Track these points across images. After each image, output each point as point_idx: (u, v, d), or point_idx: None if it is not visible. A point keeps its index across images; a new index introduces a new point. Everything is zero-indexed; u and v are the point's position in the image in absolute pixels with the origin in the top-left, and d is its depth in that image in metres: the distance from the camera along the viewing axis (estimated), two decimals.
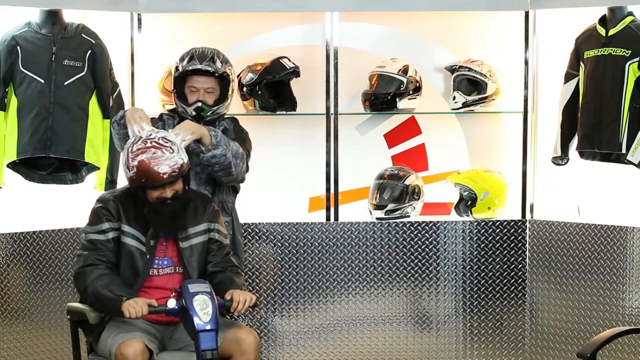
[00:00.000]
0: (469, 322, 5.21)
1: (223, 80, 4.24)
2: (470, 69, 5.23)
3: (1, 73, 4.73)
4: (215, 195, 4.27)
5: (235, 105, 5.20)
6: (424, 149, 5.51)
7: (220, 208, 4.19)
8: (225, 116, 4.36)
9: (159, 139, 3.78)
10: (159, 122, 4.30)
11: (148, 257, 3.80)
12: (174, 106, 4.36)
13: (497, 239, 5.18)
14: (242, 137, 4.30)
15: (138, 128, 3.89)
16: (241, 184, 4.40)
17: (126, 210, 3.82)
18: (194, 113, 4.21)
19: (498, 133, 5.49)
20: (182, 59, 4.25)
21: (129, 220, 3.82)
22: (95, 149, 4.84)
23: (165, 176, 3.72)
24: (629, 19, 4.83)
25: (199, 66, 4.19)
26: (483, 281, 5.20)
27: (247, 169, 4.28)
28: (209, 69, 4.20)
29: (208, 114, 4.22)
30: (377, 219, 5.18)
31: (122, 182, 4.86)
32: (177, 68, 4.26)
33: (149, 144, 3.76)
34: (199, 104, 4.20)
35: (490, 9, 5.19)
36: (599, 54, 4.85)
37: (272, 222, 5.12)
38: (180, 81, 4.25)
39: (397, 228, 5.15)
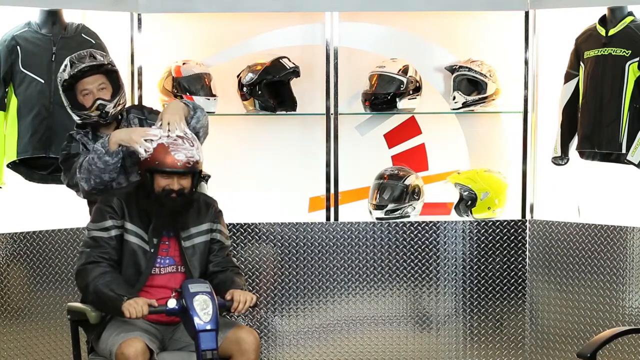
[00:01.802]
0: (469, 322, 5.21)
1: (111, 74, 4.09)
2: (470, 69, 5.23)
3: (1, 73, 4.74)
4: None
5: (235, 105, 5.22)
6: (424, 149, 5.51)
7: None
8: (130, 107, 4.22)
9: (183, 133, 3.80)
10: (72, 141, 4.09)
11: (151, 254, 3.80)
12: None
13: (497, 239, 5.17)
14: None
15: (152, 137, 3.79)
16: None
17: (130, 208, 3.82)
18: (97, 112, 4.02)
19: (498, 133, 5.49)
20: (62, 71, 4.04)
21: (133, 218, 3.82)
22: None
23: (179, 164, 3.72)
24: (629, 19, 4.84)
25: (84, 65, 4.01)
26: (483, 281, 5.20)
27: None
28: (94, 62, 4.03)
29: (111, 109, 4.03)
30: (377, 219, 5.18)
31: None
32: (62, 81, 4.04)
33: (172, 133, 3.79)
34: (99, 102, 4.01)
35: (490, 9, 5.19)
36: (599, 54, 4.85)
37: (272, 222, 5.12)
38: (70, 93, 4.05)
39: (397, 228, 5.15)
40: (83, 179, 3.94)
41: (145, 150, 3.77)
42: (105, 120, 4.06)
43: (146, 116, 4.15)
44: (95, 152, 3.91)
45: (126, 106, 4.18)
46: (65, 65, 4.06)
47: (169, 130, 3.82)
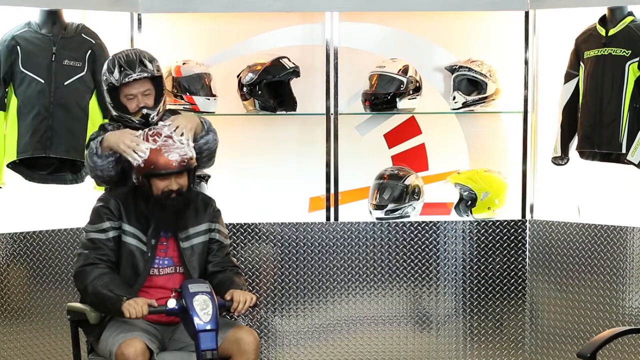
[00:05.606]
0: (469, 322, 5.21)
1: (156, 79, 4.10)
2: (470, 69, 5.23)
3: (1, 73, 4.74)
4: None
5: (235, 105, 5.22)
6: (424, 149, 5.51)
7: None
8: (167, 111, 4.21)
9: (170, 132, 3.80)
10: (102, 132, 4.07)
11: (149, 256, 3.80)
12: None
13: (497, 239, 5.18)
14: None
15: (140, 153, 3.78)
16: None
17: (127, 210, 3.82)
18: (142, 120, 4.04)
19: (498, 133, 5.49)
20: (110, 71, 4.03)
21: (130, 220, 3.81)
22: None
23: (174, 164, 3.72)
24: (629, 19, 4.84)
25: (134, 76, 4.00)
26: (483, 281, 5.20)
27: None
28: (145, 74, 4.03)
29: (155, 117, 4.05)
30: (377, 219, 5.18)
31: None
32: (107, 81, 4.04)
33: (160, 133, 3.78)
34: (145, 111, 4.04)
35: (490, 9, 5.18)
36: (599, 54, 4.85)
37: (272, 222, 5.12)
38: (114, 92, 4.06)
39: (397, 228, 5.15)
40: (88, 171, 4.05)
41: (138, 158, 3.77)
42: (145, 127, 4.05)
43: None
44: (90, 149, 3.95)
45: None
46: (113, 67, 4.03)
47: (176, 133, 3.84)
